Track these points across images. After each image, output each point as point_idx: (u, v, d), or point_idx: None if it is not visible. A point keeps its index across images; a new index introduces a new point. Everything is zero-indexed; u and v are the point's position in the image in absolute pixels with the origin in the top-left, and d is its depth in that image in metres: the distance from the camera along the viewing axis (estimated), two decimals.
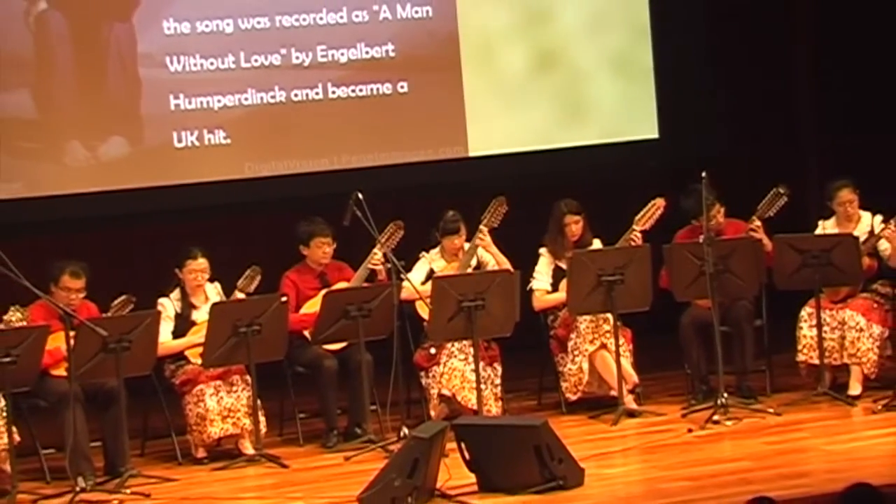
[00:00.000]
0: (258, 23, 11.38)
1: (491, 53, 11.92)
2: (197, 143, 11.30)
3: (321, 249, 10.00)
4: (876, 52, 11.98)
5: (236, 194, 11.28)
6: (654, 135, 12.18)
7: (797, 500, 7.05)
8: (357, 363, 9.71)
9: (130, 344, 9.05)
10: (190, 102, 11.28)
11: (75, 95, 11.13)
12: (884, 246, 9.94)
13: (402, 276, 9.83)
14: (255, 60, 11.40)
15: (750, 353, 10.18)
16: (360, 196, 9.60)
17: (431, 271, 10.12)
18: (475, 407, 9.60)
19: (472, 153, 11.83)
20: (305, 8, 11.47)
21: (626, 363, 9.98)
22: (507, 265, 10.06)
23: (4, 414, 8.99)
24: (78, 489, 8.86)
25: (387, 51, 11.65)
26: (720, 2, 12.20)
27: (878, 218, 10.00)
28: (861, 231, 10.01)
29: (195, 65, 11.28)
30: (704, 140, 11.66)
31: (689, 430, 9.51)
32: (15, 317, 9.08)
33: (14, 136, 10.96)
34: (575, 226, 10.26)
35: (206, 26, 11.29)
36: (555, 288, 10.23)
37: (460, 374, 9.80)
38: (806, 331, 10.03)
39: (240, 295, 9.70)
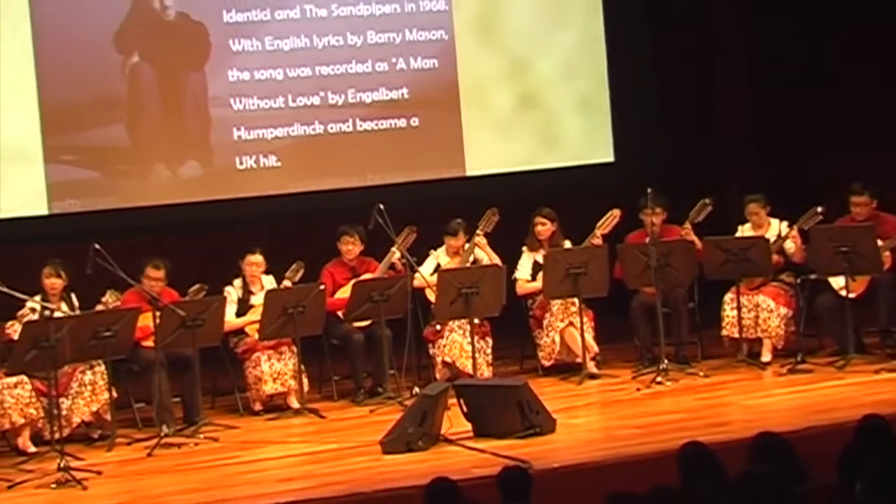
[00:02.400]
0: (302, 72, 11.38)
1: (484, 96, 11.90)
2: (254, 166, 11.30)
3: (345, 246, 10.03)
4: (789, 99, 12.01)
5: (285, 206, 11.27)
6: (611, 159, 12.16)
7: (721, 443, 7.05)
8: (379, 337, 9.73)
9: (203, 322, 9.09)
10: (249, 134, 11.28)
11: (160, 128, 11.13)
12: (789, 245, 9.95)
13: (415, 269, 9.87)
14: (300, 101, 11.39)
15: (685, 329, 10.18)
16: (382, 207, 9.64)
17: (438, 265, 10.14)
18: (471, 371, 9.61)
19: (469, 173, 11.81)
20: (339, 60, 11.46)
21: (589, 337, 9.99)
22: (497, 261, 10.07)
23: (106, 376, 9.02)
24: (162, 434, 8.91)
25: (402, 93, 11.64)
26: (664, 56, 12.20)
27: (785, 224, 10.00)
28: (772, 234, 10.01)
29: (253, 105, 11.27)
30: (649, 163, 11.66)
31: (638, 389, 9.53)
32: (111, 298, 9.15)
33: (112, 160, 10.97)
34: (541, 226, 10.25)
35: (262, 75, 11.28)
36: (533, 278, 10.25)
37: (459, 346, 9.81)
38: (728, 311, 10.02)
39: (287, 283, 9.74)
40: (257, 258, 9.83)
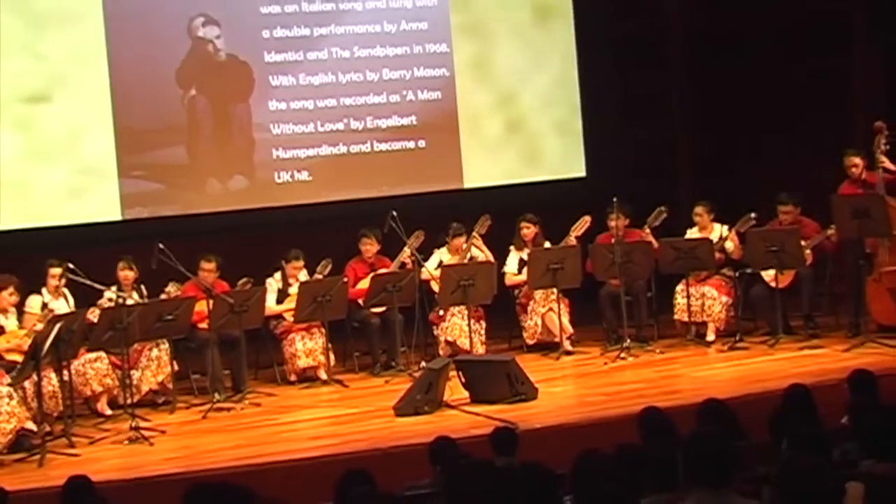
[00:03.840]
0: (329, 103, 11.36)
1: (478, 122, 11.88)
2: (290, 180, 11.29)
3: (365, 245, 10.03)
4: (727, 129, 12.01)
5: (315, 213, 11.22)
6: (583, 174, 12.14)
7: (674, 408, 7.05)
8: (392, 321, 9.74)
9: (248, 308, 9.09)
10: (286, 153, 11.27)
11: (213, 149, 11.11)
12: (729, 245, 9.96)
13: (422, 265, 9.87)
14: (327, 127, 11.38)
15: (644, 314, 10.19)
16: (395, 214, 9.65)
17: (441, 261, 10.14)
18: (468, 348, 9.63)
19: (467, 186, 11.81)
20: (359, 93, 11.44)
21: (565, 320, 9.99)
22: (490, 258, 10.08)
23: (168, 352, 9.05)
24: (215, 401, 8.94)
25: (411, 120, 11.63)
26: (627, 89, 12.20)
27: (725, 227, 10.01)
28: (715, 236, 10.01)
29: (289, 130, 11.26)
30: (615, 178, 11.63)
31: (605, 363, 9.54)
32: (173, 289, 9.15)
33: (173, 175, 10.97)
34: (526, 229, 10.26)
35: (296, 105, 11.25)
36: (519, 272, 10.24)
37: (459, 327, 9.81)
38: (679, 299, 10.04)
39: (318, 277, 9.74)
40: (300, 263, 9.85)
